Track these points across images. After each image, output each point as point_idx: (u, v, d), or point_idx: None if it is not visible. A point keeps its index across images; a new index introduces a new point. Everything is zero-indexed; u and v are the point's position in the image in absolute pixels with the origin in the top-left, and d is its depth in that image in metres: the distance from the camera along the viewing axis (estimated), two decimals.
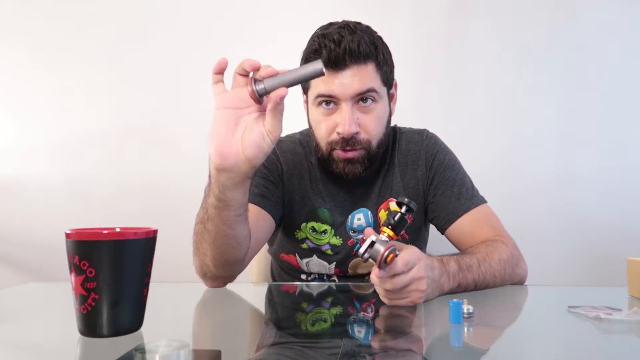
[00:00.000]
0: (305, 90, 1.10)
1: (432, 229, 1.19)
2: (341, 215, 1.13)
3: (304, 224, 1.13)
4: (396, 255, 0.74)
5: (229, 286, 0.99)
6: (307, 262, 1.15)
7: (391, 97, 1.11)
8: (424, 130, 1.19)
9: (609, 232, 1.80)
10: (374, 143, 1.05)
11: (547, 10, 1.84)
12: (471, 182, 1.14)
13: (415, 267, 0.76)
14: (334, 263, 1.14)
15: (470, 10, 1.86)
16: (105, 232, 0.62)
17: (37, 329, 0.71)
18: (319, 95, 1.03)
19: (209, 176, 0.82)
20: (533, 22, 1.84)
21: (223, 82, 0.78)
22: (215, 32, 1.90)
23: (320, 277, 1.17)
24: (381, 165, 1.14)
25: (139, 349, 0.43)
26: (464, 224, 1.08)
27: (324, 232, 1.12)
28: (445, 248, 1.09)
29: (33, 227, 1.92)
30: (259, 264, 1.37)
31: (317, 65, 0.72)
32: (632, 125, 1.82)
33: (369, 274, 0.81)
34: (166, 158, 1.91)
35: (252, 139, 0.76)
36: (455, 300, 0.67)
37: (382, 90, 1.05)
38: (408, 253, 0.76)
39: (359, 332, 0.71)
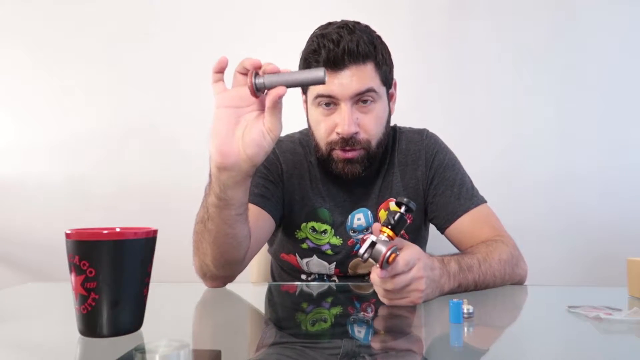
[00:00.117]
0: (305, 90, 1.10)
1: (432, 228, 1.19)
2: (341, 215, 1.13)
3: (304, 224, 1.13)
4: (397, 255, 0.74)
5: (229, 286, 0.99)
6: (307, 262, 1.15)
7: (390, 97, 1.11)
8: (424, 130, 1.19)
9: (609, 232, 1.80)
10: (374, 143, 1.05)
11: (547, 10, 1.84)
12: (471, 182, 1.14)
13: (415, 266, 0.76)
14: (334, 263, 1.14)
15: (470, 10, 1.86)
16: (105, 232, 0.62)
17: (37, 329, 0.71)
18: (318, 96, 1.03)
19: (210, 175, 0.82)
20: (533, 22, 1.84)
21: (223, 81, 0.78)
22: (215, 32, 1.90)
23: (320, 277, 1.16)
24: (381, 165, 1.14)
25: (139, 349, 0.43)
26: (464, 224, 1.08)
27: (324, 232, 1.12)
28: (445, 248, 1.09)
29: (33, 227, 1.92)
30: (259, 264, 1.37)
31: (319, 73, 0.72)
32: (632, 125, 1.82)
33: (369, 274, 0.81)
34: (166, 158, 1.91)
35: (252, 137, 0.76)
36: (455, 300, 0.67)
37: (382, 90, 1.05)
38: (408, 253, 0.76)
39: (359, 332, 0.71)
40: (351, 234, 1.13)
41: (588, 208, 1.82)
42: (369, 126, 1.04)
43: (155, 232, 0.64)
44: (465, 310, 0.68)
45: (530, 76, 1.84)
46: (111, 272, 0.59)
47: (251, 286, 1.26)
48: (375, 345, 0.65)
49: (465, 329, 0.66)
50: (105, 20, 1.93)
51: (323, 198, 1.13)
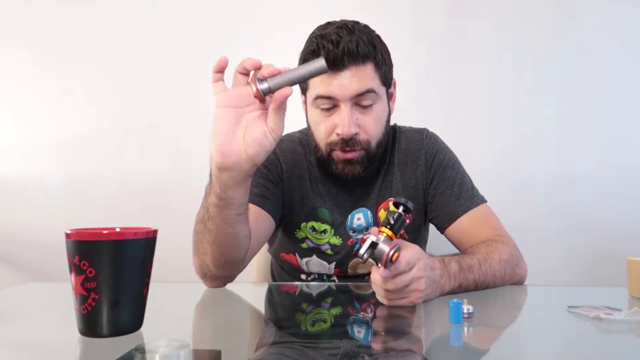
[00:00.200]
0: (304, 91, 1.10)
1: (432, 228, 1.19)
2: (341, 215, 1.13)
3: (303, 224, 1.13)
4: (399, 254, 0.74)
5: (229, 286, 0.99)
6: (307, 262, 1.15)
7: (390, 97, 1.11)
8: (424, 129, 1.19)
9: (609, 232, 1.80)
10: (374, 143, 1.05)
11: (547, 10, 1.84)
12: (471, 181, 1.14)
13: (415, 266, 0.76)
14: (334, 263, 1.14)
15: (470, 10, 1.86)
16: (105, 232, 0.62)
17: (37, 329, 0.71)
18: (317, 97, 1.02)
19: (210, 175, 0.82)
20: (533, 22, 1.84)
21: (223, 80, 0.78)
22: (215, 32, 1.90)
23: (320, 277, 1.16)
24: (381, 165, 1.14)
25: (139, 349, 0.43)
26: (464, 224, 1.07)
27: (324, 231, 1.12)
28: (445, 248, 1.09)
29: (33, 227, 1.92)
30: (259, 264, 1.37)
31: (320, 62, 0.72)
32: (632, 125, 1.82)
33: (368, 274, 0.81)
34: (166, 158, 1.91)
35: (254, 137, 0.76)
36: (455, 300, 0.67)
37: (381, 90, 1.05)
38: (409, 252, 0.76)
39: (359, 332, 0.71)
40: (351, 233, 1.13)
41: (588, 208, 1.82)
42: (368, 126, 1.03)
43: (155, 232, 0.64)
44: (465, 310, 0.68)
45: (530, 76, 1.84)
46: (111, 272, 0.59)
47: (251, 286, 1.26)
48: (375, 345, 0.65)
49: (465, 329, 0.66)
50: (105, 20, 1.93)
51: (323, 198, 1.13)
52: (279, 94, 0.73)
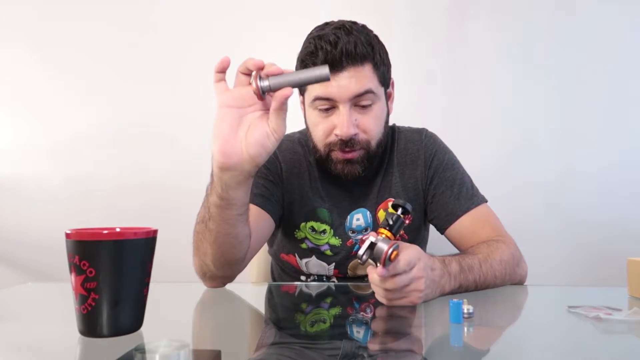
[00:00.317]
0: (302, 92, 1.10)
1: (432, 228, 1.19)
2: (340, 216, 1.13)
3: (303, 224, 1.13)
4: (398, 253, 0.74)
5: (229, 286, 0.99)
6: (306, 263, 1.15)
7: (388, 96, 1.11)
8: (423, 129, 1.19)
9: (609, 232, 1.80)
10: (373, 143, 1.05)
11: (547, 10, 1.84)
12: (471, 181, 1.14)
13: (415, 267, 0.76)
14: (333, 264, 1.14)
15: (470, 10, 1.86)
16: (105, 232, 0.62)
17: (37, 329, 0.71)
18: (316, 98, 1.02)
19: (212, 175, 0.82)
20: (533, 22, 1.84)
21: (225, 80, 0.78)
22: (215, 32, 1.90)
23: (320, 278, 1.16)
24: (380, 165, 1.14)
25: (139, 349, 0.43)
26: (464, 225, 1.07)
27: (323, 232, 1.12)
28: (445, 248, 1.09)
29: (33, 227, 1.92)
30: (259, 264, 1.37)
31: (324, 70, 0.72)
32: (632, 125, 1.82)
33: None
34: (166, 158, 1.91)
35: (255, 137, 0.76)
36: (455, 300, 0.67)
37: (380, 90, 1.05)
38: (409, 252, 0.76)
39: (359, 332, 0.71)
40: (350, 234, 1.13)
41: (588, 208, 1.81)
42: (368, 127, 1.03)
43: (155, 232, 0.64)
44: (465, 310, 0.68)
45: (530, 76, 1.84)
46: (111, 272, 0.59)
47: (251, 286, 1.26)
48: (375, 345, 0.65)
49: (465, 329, 0.66)
50: (105, 20, 1.93)
51: (322, 198, 1.13)
52: (279, 94, 0.73)
